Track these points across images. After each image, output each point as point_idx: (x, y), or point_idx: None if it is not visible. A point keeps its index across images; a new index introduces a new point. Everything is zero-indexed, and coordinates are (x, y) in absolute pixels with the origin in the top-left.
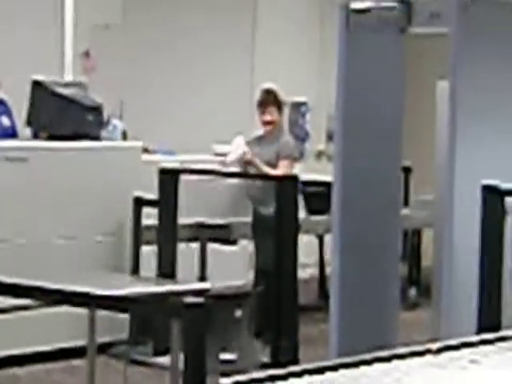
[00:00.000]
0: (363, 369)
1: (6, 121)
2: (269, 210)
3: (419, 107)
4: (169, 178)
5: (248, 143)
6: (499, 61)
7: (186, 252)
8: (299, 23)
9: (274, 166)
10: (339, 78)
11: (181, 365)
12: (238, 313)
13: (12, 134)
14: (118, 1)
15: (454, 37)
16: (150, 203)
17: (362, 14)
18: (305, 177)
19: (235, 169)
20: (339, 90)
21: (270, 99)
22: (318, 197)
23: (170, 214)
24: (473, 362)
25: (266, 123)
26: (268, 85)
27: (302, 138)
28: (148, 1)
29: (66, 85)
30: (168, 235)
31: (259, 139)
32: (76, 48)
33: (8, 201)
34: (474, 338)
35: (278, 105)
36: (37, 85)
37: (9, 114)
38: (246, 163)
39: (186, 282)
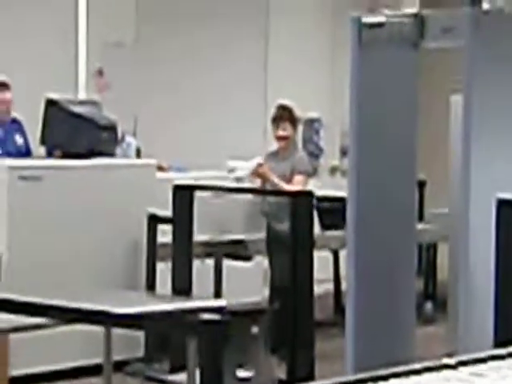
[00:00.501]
0: None
1: (19, 139)
2: (283, 225)
3: (433, 121)
4: (183, 195)
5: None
6: None
7: (201, 269)
8: (311, 39)
9: (287, 181)
10: (352, 92)
11: (197, 382)
12: (254, 329)
13: (25, 152)
14: (130, 19)
15: (466, 51)
16: (165, 220)
17: (375, 29)
18: (319, 192)
19: (249, 184)
20: (352, 104)
21: (284, 115)
22: (333, 212)
23: (185, 230)
24: (490, 376)
25: (279, 138)
26: (283, 101)
27: (315, 154)
28: (161, 19)
29: (80, 103)
30: (183, 252)
31: (273, 155)
32: (89, 66)
33: (23, 220)
34: (492, 353)
35: (293, 121)
36: (51, 103)
37: (22, 132)
38: (259, 176)
39: (202, 298)
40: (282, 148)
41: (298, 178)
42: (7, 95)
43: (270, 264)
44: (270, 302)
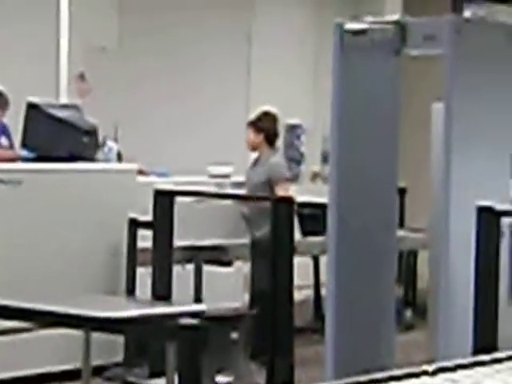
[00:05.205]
0: None
1: (4, 142)
2: (261, 231)
3: (415, 129)
4: (164, 200)
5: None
6: (494, 82)
7: (181, 274)
8: (294, 45)
9: (260, 188)
10: (334, 99)
11: None
12: (234, 335)
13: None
14: (113, 25)
15: (447, 58)
16: (145, 225)
17: (357, 36)
18: (300, 198)
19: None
20: (334, 111)
21: (249, 122)
22: (314, 218)
23: (165, 235)
24: (468, 383)
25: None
26: (263, 108)
27: (297, 159)
28: (144, 24)
29: (61, 107)
30: (163, 257)
31: (255, 161)
32: (71, 71)
33: (1, 223)
34: (470, 360)
35: (256, 127)
36: (32, 107)
37: (7, 135)
38: None
39: (182, 303)
40: (258, 154)
41: (277, 187)
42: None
43: (251, 270)
44: (250, 307)
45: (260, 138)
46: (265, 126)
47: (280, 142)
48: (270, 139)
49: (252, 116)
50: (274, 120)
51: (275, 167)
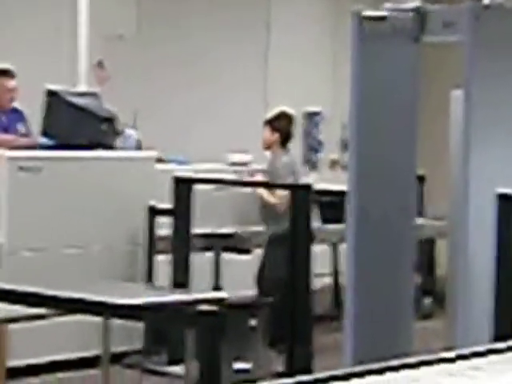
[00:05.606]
0: (377, 378)
1: (21, 128)
2: (273, 230)
3: (434, 116)
4: (183, 187)
5: None
6: None
7: (200, 261)
8: (313, 32)
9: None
10: (353, 86)
11: (195, 374)
12: (253, 322)
13: None
14: (132, 13)
15: (467, 45)
16: (164, 212)
17: (376, 22)
18: (319, 186)
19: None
20: (353, 98)
21: (266, 121)
22: (333, 206)
23: (184, 223)
24: (487, 370)
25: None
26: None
27: (315, 147)
28: (161, 12)
29: (81, 94)
30: (182, 244)
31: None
32: (90, 59)
33: (22, 210)
34: (490, 347)
35: (272, 126)
36: (51, 94)
37: (24, 121)
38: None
39: (200, 291)
40: (270, 153)
41: (270, 192)
42: (13, 83)
43: (266, 258)
44: (266, 295)
45: (275, 136)
46: (281, 126)
47: (298, 130)
48: (284, 139)
49: (269, 115)
50: (290, 121)
51: (274, 172)
